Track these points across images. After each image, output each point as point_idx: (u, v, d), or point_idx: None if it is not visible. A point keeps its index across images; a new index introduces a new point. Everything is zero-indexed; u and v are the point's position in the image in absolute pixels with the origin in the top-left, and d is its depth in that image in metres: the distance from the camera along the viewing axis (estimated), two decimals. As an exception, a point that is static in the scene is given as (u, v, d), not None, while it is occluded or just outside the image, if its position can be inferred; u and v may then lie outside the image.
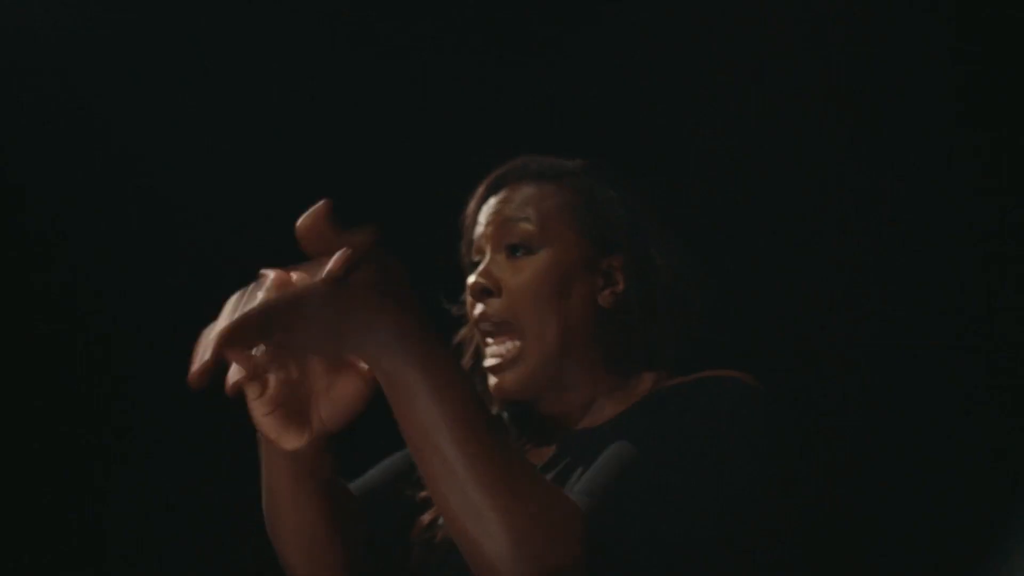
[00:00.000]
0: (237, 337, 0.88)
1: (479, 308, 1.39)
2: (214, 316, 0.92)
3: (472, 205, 1.47)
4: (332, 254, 0.91)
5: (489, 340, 1.38)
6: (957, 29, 1.86)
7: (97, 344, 2.36)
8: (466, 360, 1.47)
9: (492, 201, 1.43)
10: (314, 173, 2.23)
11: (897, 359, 1.89)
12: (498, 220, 1.41)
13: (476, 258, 1.43)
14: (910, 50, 1.89)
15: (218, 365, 0.88)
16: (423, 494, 1.35)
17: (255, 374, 0.97)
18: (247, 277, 0.94)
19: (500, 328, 1.37)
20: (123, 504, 2.34)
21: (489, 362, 1.38)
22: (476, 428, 0.95)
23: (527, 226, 1.39)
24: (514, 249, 1.39)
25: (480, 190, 1.46)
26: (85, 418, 2.37)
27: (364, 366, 1.03)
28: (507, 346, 1.36)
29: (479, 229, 1.43)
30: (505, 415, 1.45)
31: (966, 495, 1.83)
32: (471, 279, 1.40)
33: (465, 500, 0.94)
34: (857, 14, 1.91)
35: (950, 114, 1.89)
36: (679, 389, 1.25)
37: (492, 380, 1.38)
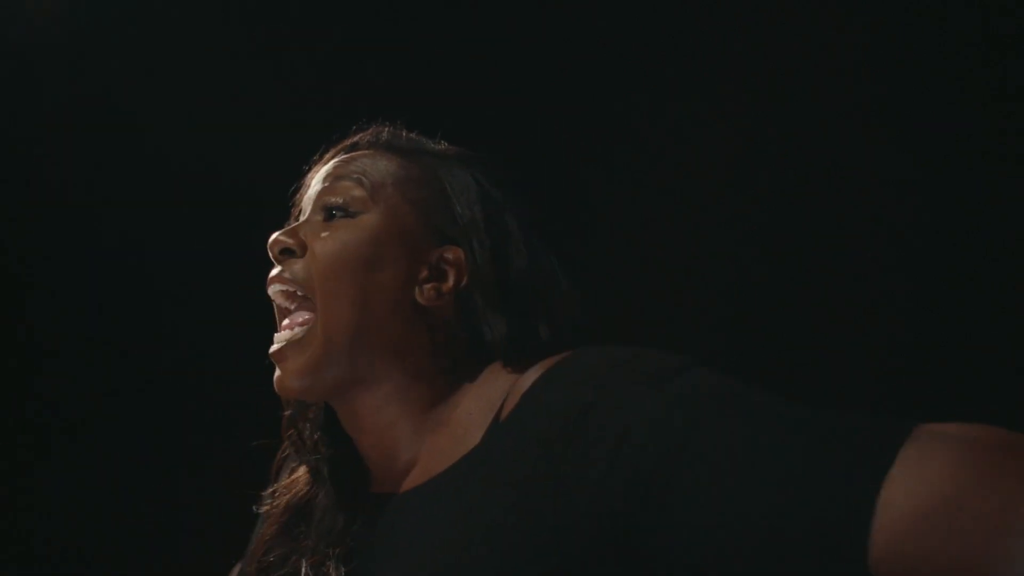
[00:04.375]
0: None
1: (275, 270, 1.16)
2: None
3: (309, 171, 1.26)
4: None
5: (284, 321, 1.16)
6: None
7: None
8: None
9: (330, 163, 1.22)
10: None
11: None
12: (326, 180, 1.19)
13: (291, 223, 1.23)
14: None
15: None
16: None
17: None
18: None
19: (292, 301, 1.15)
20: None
21: (272, 348, 1.14)
22: None
23: (353, 187, 1.16)
24: (331, 211, 1.16)
25: (319, 157, 1.26)
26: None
27: None
28: (295, 330, 1.13)
29: (306, 192, 1.22)
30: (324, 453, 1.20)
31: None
32: (272, 236, 1.17)
33: None
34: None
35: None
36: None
37: (276, 372, 1.14)
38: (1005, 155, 1.82)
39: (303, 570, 1.10)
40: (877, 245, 1.90)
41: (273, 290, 1.16)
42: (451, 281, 1.15)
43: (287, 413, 1.23)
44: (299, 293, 1.14)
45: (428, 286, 1.15)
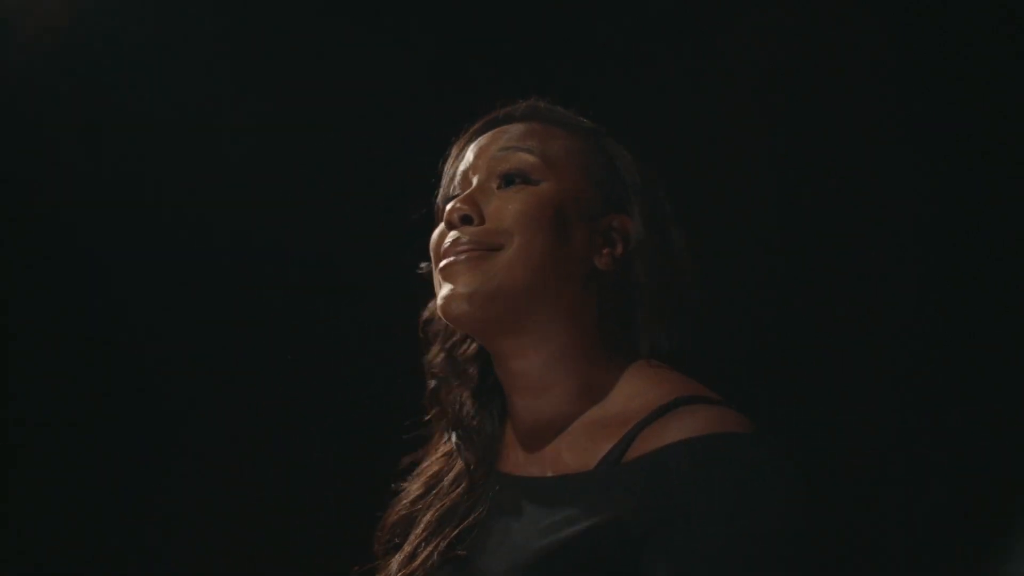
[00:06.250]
0: None
1: (451, 236, 1.17)
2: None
3: (459, 143, 1.28)
4: None
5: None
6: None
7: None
8: (434, 353, 1.27)
9: (487, 135, 1.25)
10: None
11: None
12: (492, 149, 1.22)
13: (456, 192, 1.23)
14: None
15: None
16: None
17: None
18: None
19: (471, 257, 1.16)
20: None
21: (444, 261, 1.17)
22: None
23: (528, 156, 1.19)
24: (510, 178, 1.19)
25: (473, 127, 1.28)
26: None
27: None
28: (476, 253, 1.15)
29: (465, 162, 1.24)
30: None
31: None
32: (450, 205, 1.19)
33: None
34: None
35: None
36: (689, 474, 1.06)
37: (443, 290, 1.16)
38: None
39: (419, 548, 1.17)
40: (883, 244, 1.89)
41: (456, 252, 1.16)
42: (620, 248, 1.21)
43: (432, 385, 1.27)
44: (478, 252, 1.16)
45: (605, 250, 1.20)
